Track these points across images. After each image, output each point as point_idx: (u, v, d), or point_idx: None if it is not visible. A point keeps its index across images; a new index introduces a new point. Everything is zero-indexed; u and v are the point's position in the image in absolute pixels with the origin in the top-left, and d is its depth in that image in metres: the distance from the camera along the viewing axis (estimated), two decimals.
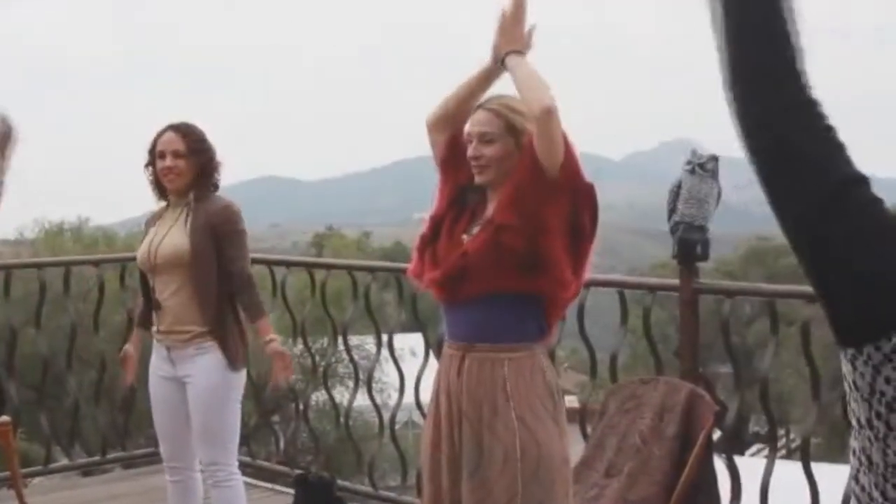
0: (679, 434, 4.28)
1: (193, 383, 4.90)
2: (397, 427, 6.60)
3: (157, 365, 5.05)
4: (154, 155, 4.85)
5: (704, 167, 4.82)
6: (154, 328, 5.02)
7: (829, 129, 1.51)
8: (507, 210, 3.54)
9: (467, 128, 3.71)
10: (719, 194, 4.87)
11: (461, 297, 3.62)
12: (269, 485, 6.79)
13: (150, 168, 4.91)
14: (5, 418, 5.88)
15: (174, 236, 4.84)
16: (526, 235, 3.50)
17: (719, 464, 4.60)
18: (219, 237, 4.80)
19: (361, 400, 6.91)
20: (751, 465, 5.14)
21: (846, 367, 1.50)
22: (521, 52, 3.62)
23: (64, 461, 7.73)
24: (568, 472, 3.65)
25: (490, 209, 3.65)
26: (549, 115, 3.45)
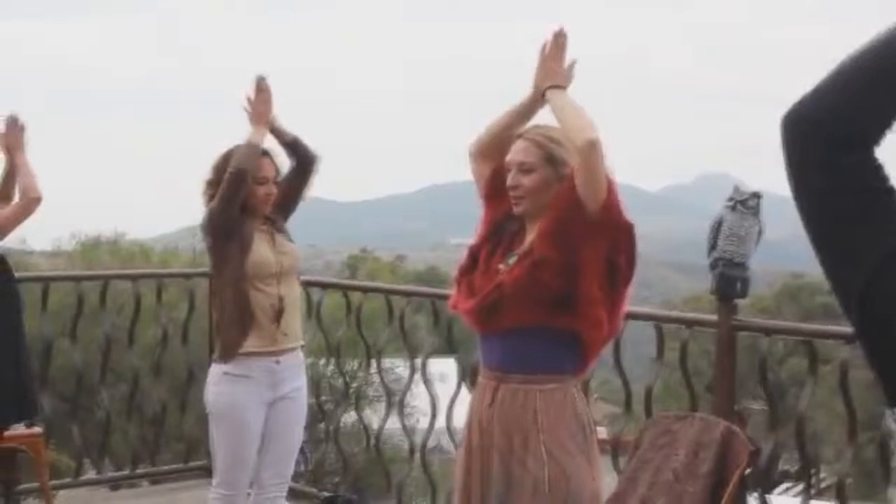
0: (713, 471, 4.24)
1: (299, 396, 4.96)
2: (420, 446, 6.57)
3: (256, 391, 4.80)
4: (239, 176, 4.73)
5: (746, 204, 4.78)
6: (252, 345, 4.79)
7: (891, 192, 1.47)
8: (546, 244, 3.52)
9: (508, 157, 3.70)
10: (760, 232, 4.84)
11: (496, 327, 3.60)
12: None
13: (210, 187, 4.85)
14: (37, 429, 5.91)
15: (281, 246, 4.90)
16: (563, 273, 3.48)
17: (752, 502, 4.56)
18: None
19: (390, 423, 6.91)
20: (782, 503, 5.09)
21: (891, 423, 1.47)
22: (561, 87, 3.61)
23: (92, 473, 7.75)
24: None
25: (527, 241, 3.63)
26: (592, 149, 3.43)
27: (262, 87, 4.92)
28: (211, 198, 4.79)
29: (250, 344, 4.75)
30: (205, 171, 4.89)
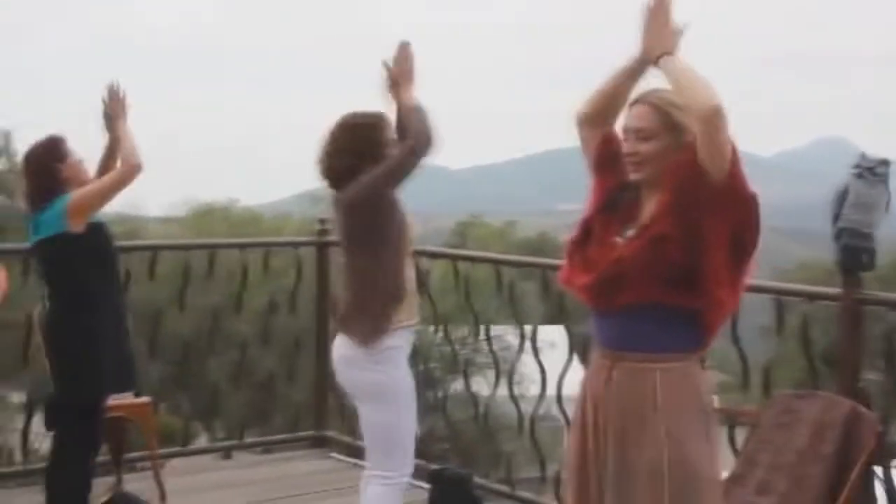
0: (837, 452, 4.05)
1: None
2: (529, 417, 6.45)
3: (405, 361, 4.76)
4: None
5: (874, 171, 4.56)
6: (405, 318, 4.70)
7: None
8: (668, 218, 3.34)
9: (625, 123, 3.52)
10: (889, 201, 4.62)
11: (614, 304, 3.42)
12: None
13: (351, 157, 4.64)
14: (146, 399, 5.91)
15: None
16: (686, 248, 3.30)
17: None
18: None
19: (498, 391, 6.83)
20: None
21: None
22: (671, 53, 3.40)
23: (203, 439, 7.77)
24: (718, 494, 3.45)
25: (647, 213, 3.45)
26: (716, 115, 3.25)
27: (405, 53, 4.78)
28: (348, 170, 4.58)
29: (404, 317, 4.66)
30: (321, 140, 4.67)
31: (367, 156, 4.59)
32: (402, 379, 4.70)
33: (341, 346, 4.71)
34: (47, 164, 5.31)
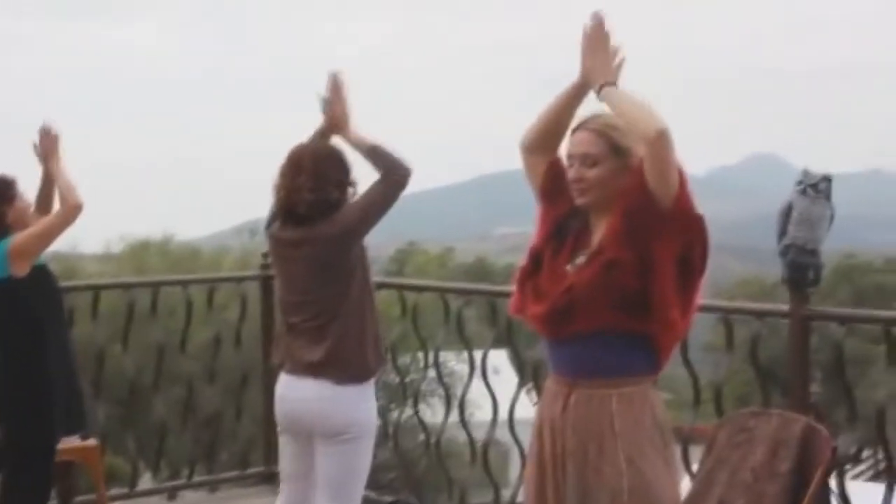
0: (794, 470, 4.04)
1: None
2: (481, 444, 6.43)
3: None
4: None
5: (817, 188, 4.60)
6: None
7: None
8: (618, 243, 3.35)
9: (568, 149, 3.52)
10: (832, 216, 4.66)
11: (568, 332, 3.42)
12: None
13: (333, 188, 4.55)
14: (93, 441, 5.83)
15: None
16: (637, 272, 3.31)
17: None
18: None
19: (442, 417, 6.82)
20: (856, 488, 4.90)
21: None
22: (613, 84, 3.40)
23: (149, 478, 7.67)
24: None
25: (596, 238, 3.45)
26: (661, 140, 3.26)
27: (337, 87, 4.66)
28: (332, 203, 4.47)
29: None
30: (287, 173, 4.51)
31: (345, 188, 4.54)
32: (375, 413, 4.64)
33: (315, 389, 4.51)
34: None
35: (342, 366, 4.48)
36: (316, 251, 4.49)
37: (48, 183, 5.49)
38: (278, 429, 4.75)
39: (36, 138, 5.46)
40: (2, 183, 5.31)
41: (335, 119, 4.67)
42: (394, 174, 4.53)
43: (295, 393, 4.58)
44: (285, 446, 4.73)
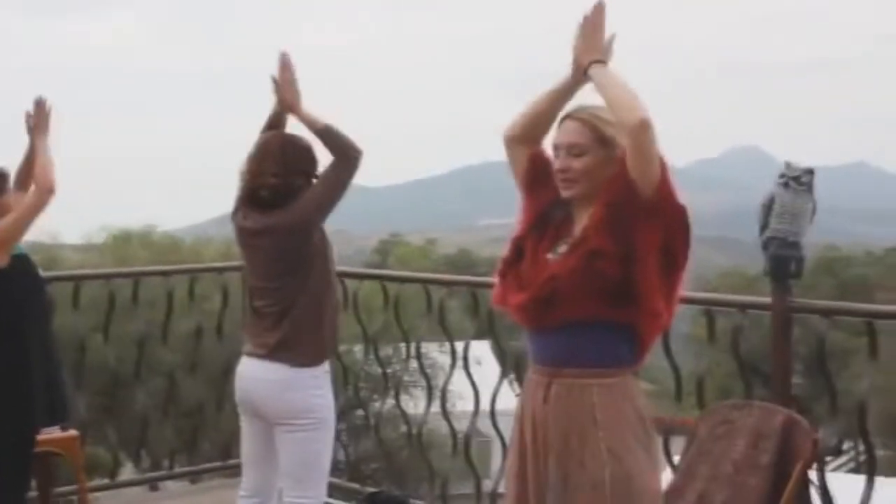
0: (775, 463, 4.06)
1: None
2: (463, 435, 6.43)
3: None
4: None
5: (799, 181, 4.61)
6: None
7: None
8: (600, 233, 3.34)
9: (555, 139, 3.52)
10: (814, 209, 4.66)
11: (549, 322, 3.41)
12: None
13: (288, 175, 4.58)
14: (73, 432, 5.81)
15: None
16: (620, 262, 3.30)
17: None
18: None
19: (424, 407, 6.84)
20: (836, 480, 4.91)
21: None
22: (603, 62, 3.41)
23: (130, 469, 7.66)
24: None
25: (578, 228, 3.44)
26: (643, 129, 3.25)
27: (285, 66, 4.69)
28: (295, 191, 4.50)
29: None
30: (254, 161, 4.58)
31: (311, 180, 4.58)
32: (332, 402, 4.69)
33: (271, 370, 4.58)
34: None
35: (297, 349, 4.55)
36: (275, 241, 4.55)
37: (31, 157, 5.40)
38: (238, 409, 4.82)
39: (26, 116, 5.39)
40: None
41: (285, 99, 4.70)
42: (347, 156, 4.56)
43: (252, 373, 4.67)
44: (245, 428, 4.81)
